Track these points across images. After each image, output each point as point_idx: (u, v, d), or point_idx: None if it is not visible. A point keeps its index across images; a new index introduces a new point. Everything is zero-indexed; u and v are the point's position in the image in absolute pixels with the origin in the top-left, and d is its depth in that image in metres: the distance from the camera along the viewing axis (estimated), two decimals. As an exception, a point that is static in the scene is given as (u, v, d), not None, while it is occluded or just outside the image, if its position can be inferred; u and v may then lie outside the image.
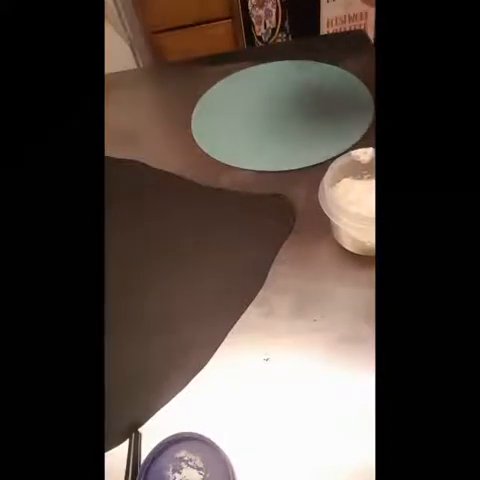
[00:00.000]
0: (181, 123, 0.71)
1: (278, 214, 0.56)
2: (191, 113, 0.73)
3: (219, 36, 1.03)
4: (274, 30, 1.06)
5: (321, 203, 0.46)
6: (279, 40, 1.07)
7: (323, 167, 0.51)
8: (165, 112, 0.78)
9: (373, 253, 0.49)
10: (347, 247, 0.50)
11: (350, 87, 0.71)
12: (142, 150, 0.68)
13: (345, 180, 0.50)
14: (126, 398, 0.44)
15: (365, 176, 0.50)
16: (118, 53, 0.95)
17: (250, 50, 1.02)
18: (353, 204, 0.47)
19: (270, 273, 0.51)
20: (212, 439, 0.38)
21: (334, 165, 0.48)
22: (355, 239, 0.48)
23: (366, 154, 0.48)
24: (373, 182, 0.49)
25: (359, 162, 0.48)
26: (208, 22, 1.01)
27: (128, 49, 0.99)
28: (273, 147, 0.65)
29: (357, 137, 0.63)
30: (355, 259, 0.50)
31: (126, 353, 0.47)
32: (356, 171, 0.49)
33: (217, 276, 0.52)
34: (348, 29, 1.06)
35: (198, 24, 1.01)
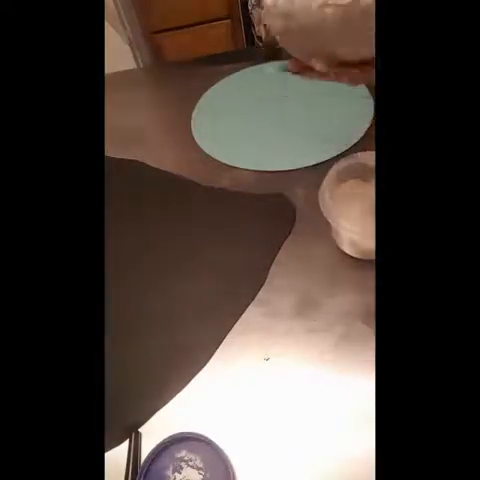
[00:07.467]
0: (181, 123, 0.71)
1: (278, 214, 0.56)
2: (191, 113, 0.73)
3: (219, 36, 1.03)
4: (274, 30, 1.05)
5: (321, 206, 0.46)
6: (279, 40, 1.07)
7: (323, 167, 0.51)
8: (165, 112, 0.78)
9: (372, 256, 0.49)
10: (346, 250, 0.50)
11: (350, 87, 0.71)
12: (142, 150, 0.68)
13: (346, 183, 0.49)
14: (126, 398, 0.44)
15: (367, 179, 0.49)
16: (118, 53, 0.95)
17: (250, 50, 1.02)
18: (353, 207, 0.46)
19: (270, 273, 0.51)
20: (212, 439, 0.38)
21: (337, 167, 0.48)
22: (354, 242, 0.47)
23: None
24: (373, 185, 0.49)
25: (362, 165, 0.48)
26: (208, 22, 1.01)
27: (128, 49, 0.99)
28: (273, 147, 0.65)
29: (357, 137, 0.63)
30: (354, 259, 0.50)
31: (126, 353, 0.47)
32: (359, 174, 0.49)
33: (217, 276, 0.52)
34: (348, 29, 1.06)
35: (198, 24, 1.00)
